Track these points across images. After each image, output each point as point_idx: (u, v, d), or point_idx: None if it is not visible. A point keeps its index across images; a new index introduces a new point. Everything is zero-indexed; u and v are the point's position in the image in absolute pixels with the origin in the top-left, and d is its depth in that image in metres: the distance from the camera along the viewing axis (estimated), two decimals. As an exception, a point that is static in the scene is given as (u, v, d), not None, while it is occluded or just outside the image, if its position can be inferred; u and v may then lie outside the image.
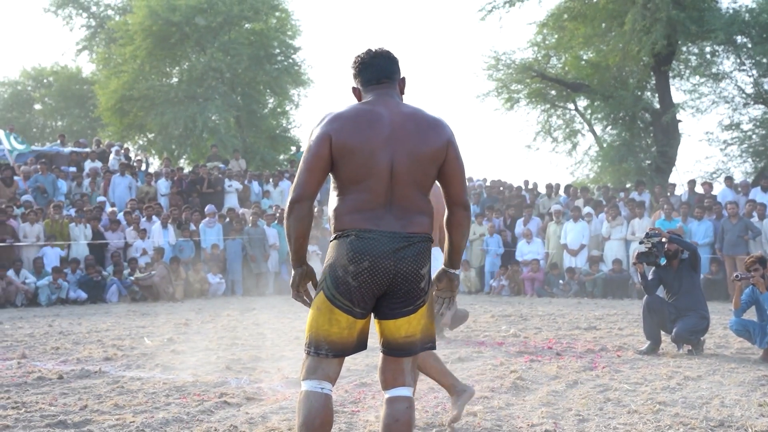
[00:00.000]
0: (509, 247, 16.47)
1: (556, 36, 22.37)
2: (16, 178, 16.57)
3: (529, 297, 15.21)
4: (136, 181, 17.82)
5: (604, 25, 21.12)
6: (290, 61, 27.04)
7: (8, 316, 11.60)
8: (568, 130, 24.27)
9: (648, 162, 21.07)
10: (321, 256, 14.85)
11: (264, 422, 4.74)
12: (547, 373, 6.50)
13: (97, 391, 5.73)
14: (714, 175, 20.87)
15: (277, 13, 27.16)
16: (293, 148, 27.04)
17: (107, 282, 14.34)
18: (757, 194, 15.30)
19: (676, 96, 21.62)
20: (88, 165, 18.47)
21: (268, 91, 27.43)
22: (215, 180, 18.05)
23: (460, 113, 56.30)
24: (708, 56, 20.66)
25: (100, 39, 33.07)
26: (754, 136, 20.50)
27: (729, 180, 16.91)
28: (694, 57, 21.42)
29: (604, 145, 22.78)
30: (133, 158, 20.73)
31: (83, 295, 13.83)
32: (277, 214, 16.50)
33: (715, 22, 18.63)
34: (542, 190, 18.83)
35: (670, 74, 21.09)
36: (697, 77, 21.17)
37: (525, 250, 16.15)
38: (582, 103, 23.72)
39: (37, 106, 37.75)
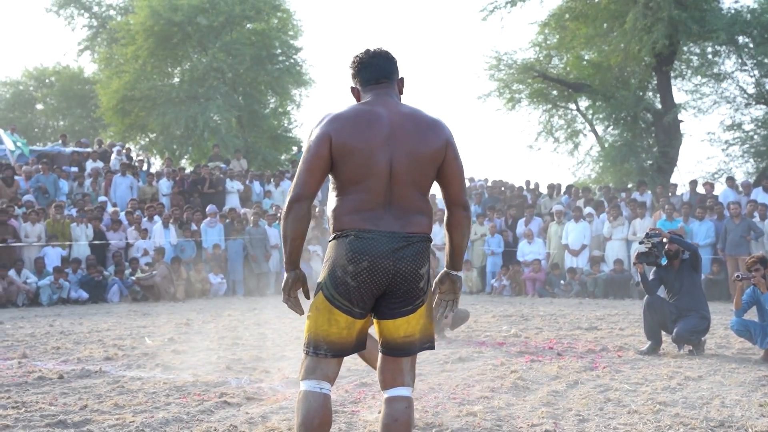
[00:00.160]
0: (510, 247, 16.46)
1: (557, 36, 22.39)
2: (17, 177, 16.59)
3: (530, 297, 15.19)
4: (138, 181, 17.83)
5: (605, 25, 21.12)
6: (292, 61, 27.07)
7: (9, 315, 11.61)
8: (569, 130, 24.29)
9: (649, 162, 21.05)
10: (322, 257, 14.84)
11: (264, 422, 4.74)
12: (547, 373, 6.49)
13: (98, 390, 5.73)
14: (715, 176, 20.87)
15: (278, 13, 27.20)
16: (294, 148, 27.06)
17: (108, 282, 14.35)
18: (758, 195, 15.28)
19: (678, 96, 21.67)
20: (90, 165, 18.50)
21: (269, 91, 27.46)
22: (217, 180, 18.06)
23: (462, 113, 56.36)
24: (709, 56, 20.65)
25: (102, 39, 33.11)
26: (755, 137, 20.47)
27: (730, 180, 16.88)
28: (696, 57, 21.41)
29: (606, 146, 22.78)
30: (134, 158, 20.74)
31: (84, 294, 13.84)
32: (278, 214, 16.49)
33: (716, 22, 18.62)
34: (544, 190, 18.83)
35: (672, 74, 21.08)
36: (699, 77, 21.20)
37: (526, 250, 16.14)
38: (583, 103, 23.75)
39: (39, 106, 37.79)
